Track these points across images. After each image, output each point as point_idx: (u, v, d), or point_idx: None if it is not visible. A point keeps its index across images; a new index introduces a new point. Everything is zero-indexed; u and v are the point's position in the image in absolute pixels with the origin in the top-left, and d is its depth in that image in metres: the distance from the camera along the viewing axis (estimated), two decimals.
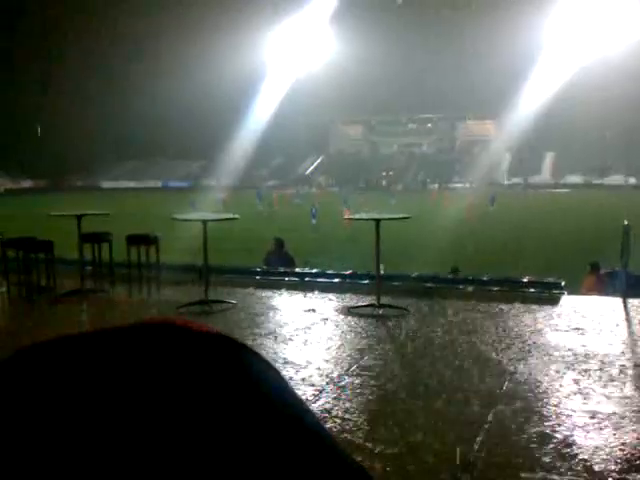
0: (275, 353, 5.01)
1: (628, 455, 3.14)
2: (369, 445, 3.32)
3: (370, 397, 4.02)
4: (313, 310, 6.56)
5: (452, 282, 7.80)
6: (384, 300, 6.48)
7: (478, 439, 3.36)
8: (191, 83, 78.20)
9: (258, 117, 73.99)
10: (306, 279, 8.16)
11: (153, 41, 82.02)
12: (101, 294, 7.50)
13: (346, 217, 7.04)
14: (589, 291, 8.79)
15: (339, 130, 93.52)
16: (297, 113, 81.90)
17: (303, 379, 4.36)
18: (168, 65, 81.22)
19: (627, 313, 6.37)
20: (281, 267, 9.77)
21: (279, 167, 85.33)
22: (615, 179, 69.42)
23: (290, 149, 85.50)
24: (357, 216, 6.73)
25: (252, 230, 21.95)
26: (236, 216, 7.25)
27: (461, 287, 7.56)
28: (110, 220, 7.99)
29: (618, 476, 2.93)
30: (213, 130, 76.73)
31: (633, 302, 6.71)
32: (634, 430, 3.46)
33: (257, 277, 8.45)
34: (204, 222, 6.41)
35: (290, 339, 5.46)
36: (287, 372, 4.51)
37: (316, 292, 7.43)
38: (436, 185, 70.39)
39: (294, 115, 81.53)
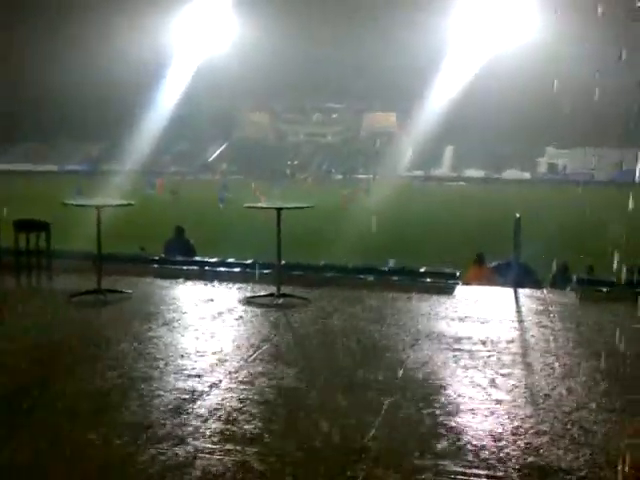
0: (172, 344, 4.88)
1: (518, 441, 3.25)
2: (264, 435, 3.28)
3: (267, 387, 3.98)
4: (212, 300, 6.44)
5: (351, 272, 7.87)
6: (285, 290, 6.45)
7: (373, 427, 3.38)
8: (93, 63, 75.17)
9: (162, 102, 72.14)
10: (206, 268, 8.02)
11: (54, 14, 78.12)
12: None
13: (246, 205, 6.92)
14: (473, 281, 9.07)
15: (244, 117, 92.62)
16: (201, 98, 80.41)
17: (200, 370, 4.26)
18: (69, 42, 77.66)
19: (518, 303, 6.63)
20: (181, 255, 9.57)
21: (182, 153, 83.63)
22: (511, 173, 72.53)
23: (194, 135, 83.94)
24: (258, 205, 6.64)
25: (152, 217, 21.43)
26: (131, 202, 7.01)
27: (361, 277, 7.64)
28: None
29: (508, 461, 3.02)
30: (115, 113, 74.07)
31: (524, 292, 7.00)
32: (524, 416, 3.58)
33: (155, 266, 8.23)
34: (97, 208, 6.15)
35: (187, 329, 5.34)
36: (184, 363, 4.40)
37: (216, 282, 7.30)
38: (340, 176, 71.10)
39: (198, 100, 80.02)
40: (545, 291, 7.42)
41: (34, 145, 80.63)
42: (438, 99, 70.29)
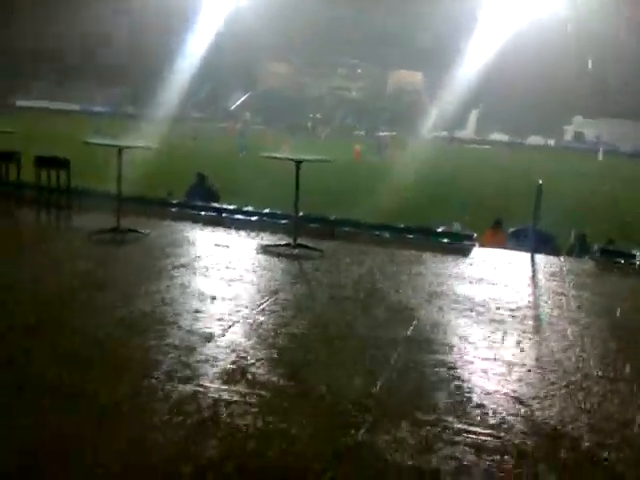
0: (187, 285, 4.93)
1: (521, 403, 3.28)
2: (272, 379, 3.32)
3: (277, 335, 4.02)
4: (227, 246, 6.48)
5: (369, 228, 7.85)
6: (301, 241, 6.46)
7: (379, 381, 3.42)
8: (118, 8, 74.39)
9: (185, 49, 71.39)
10: (223, 215, 8.05)
11: None
12: (6, 218, 7.15)
13: (264, 155, 6.89)
14: (488, 244, 9.02)
15: (267, 68, 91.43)
16: (226, 48, 79.50)
17: (213, 313, 4.31)
18: None
19: (534, 267, 6.61)
20: (204, 201, 9.60)
21: (204, 99, 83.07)
22: (535, 139, 71.50)
23: (217, 83, 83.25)
24: (274, 155, 6.61)
25: (174, 164, 21.43)
26: (153, 145, 7.02)
27: (377, 233, 7.63)
28: (18, 140, 7.58)
29: (510, 422, 3.05)
30: (137, 58, 73.57)
31: (541, 258, 6.97)
32: (531, 379, 3.60)
33: (173, 209, 8.27)
34: (119, 148, 6.16)
35: (202, 273, 5.38)
36: (197, 304, 4.45)
37: (233, 228, 7.34)
38: (363, 132, 70.42)
39: (223, 49, 79.13)
40: (562, 258, 7.39)
41: (56, 83, 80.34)
42: (466, 62, 69.01)
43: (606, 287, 6.08)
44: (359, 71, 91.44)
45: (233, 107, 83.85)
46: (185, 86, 69.81)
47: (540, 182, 7.10)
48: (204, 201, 9.55)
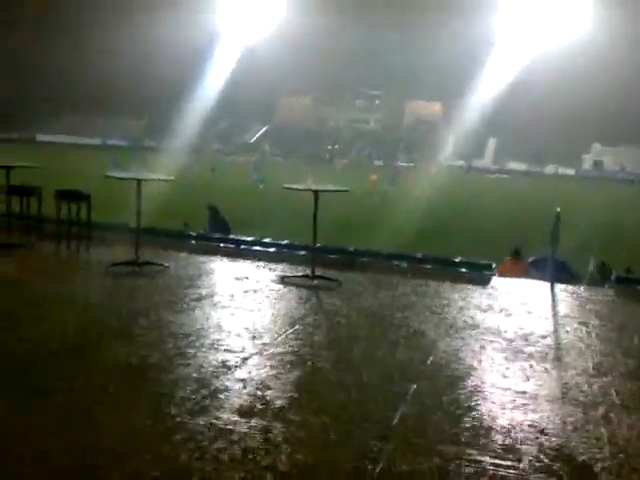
0: (205, 318, 4.94)
1: (541, 435, 3.23)
2: (290, 414, 3.30)
3: (296, 367, 4.01)
4: (247, 277, 6.50)
5: (386, 257, 7.85)
6: (319, 272, 6.47)
7: (399, 412, 3.39)
8: (138, 41, 75.86)
9: (205, 81, 72.52)
10: (242, 247, 8.08)
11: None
12: (27, 251, 7.24)
13: (285, 186, 6.93)
14: (508, 275, 8.95)
15: (286, 100, 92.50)
16: (245, 80, 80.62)
17: (231, 345, 4.31)
18: (116, 18, 78.44)
19: (554, 297, 6.55)
20: (219, 232, 9.69)
21: (223, 132, 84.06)
22: (553, 168, 71.28)
23: (236, 116, 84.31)
24: (294, 186, 6.66)
25: (192, 195, 21.60)
26: (171, 177, 7.09)
27: (395, 263, 7.62)
28: (42, 174, 7.71)
29: (530, 454, 3.01)
30: (158, 92, 74.81)
31: (560, 287, 6.90)
32: (550, 410, 3.55)
33: (192, 242, 8.33)
34: (138, 181, 6.24)
35: (221, 305, 5.39)
36: (215, 337, 4.46)
37: (251, 260, 7.36)
38: (380, 162, 70.67)
39: (242, 82, 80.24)
40: (582, 287, 7.31)
41: (76, 118, 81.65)
42: (483, 91, 69.32)
43: (625, 315, 6.00)
44: (377, 102, 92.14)
45: (252, 140, 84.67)
46: (204, 119, 70.71)
47: (558, 210, 7.07)
48: (220, 232, 9.64)
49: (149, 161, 34.79)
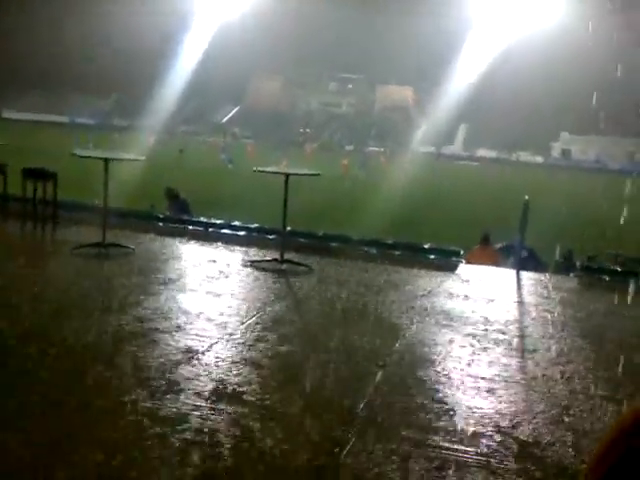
0: (172, 302, 4.90)
1: (505, 419, 3.27)
2: (256, 398, 3.30)
3: (264, 351, 4.00)
4: (214, 261, 6.45)
5: (356, 243, 7.86)
6: (288, 256, 6.45)
7: (365, 397, 3.40)
8: (108, 21, 74.45)
9: (176, 62, 71.59)
10: (210, 230, 8.02)
11: None
12: None
13: (256, 169, 6.88)
14: (476, 261, 9.03)
15: (257, 82, 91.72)
16: (216, 61, 79.70)
17: (198, 329, 4.28)
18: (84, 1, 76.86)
19: (519, 284, 6.63)
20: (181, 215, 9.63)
21: (193, 113, 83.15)
22: (523, 156, 72.03)
23: (206, 96, 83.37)
24: (266, 169, 6.62)
25: (160, 176, 21.35)
26: (141, 158, 6.99)
27: (365, 249, 7.64)
28: (6, 152, 7.54)
29: (492, 439, 3.05)
30: (128, 70, 73.62)
31: (526, 275, 7.00)
32: (512, 395, 3.60)
33: (160, 224, 8.23)
34: (106, 160, 6.13)
35: (188, 289, 5.36)
36: (182, 321, 4.42)
37: (220, 243, 7.32)
38: (352, 147, 70.64)
39: (213, 62, 79.31)
40: (547, 275, 7.42)
41: (43, 95, 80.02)
42: (455, 78, 69.60)
43: (589, 303, 6.10)
44: (350, 86, 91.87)
45: (222, 121, 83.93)
46: (174, 99, 69.87)
47: (526, 198, 7.14)
48: (181, 214, 9.59)
49: (117, 141, 34.29)
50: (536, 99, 71.14)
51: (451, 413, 3.30)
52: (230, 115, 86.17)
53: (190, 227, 8.13)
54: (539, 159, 71.85)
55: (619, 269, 7.31)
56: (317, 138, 76.85)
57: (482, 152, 73.75)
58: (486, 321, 5.03)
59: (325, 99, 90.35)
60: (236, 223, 8.20)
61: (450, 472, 2.72)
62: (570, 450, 3.00)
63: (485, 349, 4.36)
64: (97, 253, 6.25)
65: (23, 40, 77.78)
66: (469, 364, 4.06)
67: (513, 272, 7.01)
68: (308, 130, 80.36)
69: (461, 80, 69.56)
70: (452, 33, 70.94)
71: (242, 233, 7.87)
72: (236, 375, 3.57)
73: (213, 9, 78.13)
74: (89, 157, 6.47)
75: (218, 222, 8.28)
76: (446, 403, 3.42)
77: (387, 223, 15.58)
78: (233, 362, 3.77)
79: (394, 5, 77.19)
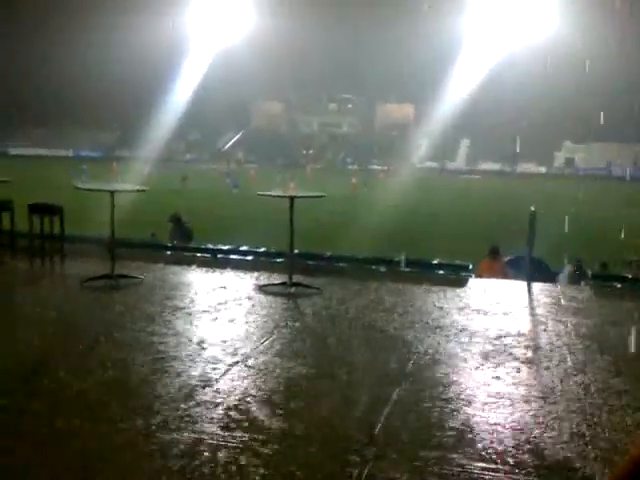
0: (184, 330, 4.89)
1: (523, 435, 3.23)
2: (274, 422, 3.27)
3: (277, 375, 3.97)
4: (224, 287, 6.44)
5: (364, 262, 7.85)
6: (297, 279, 6.44)
7: (381, 418, 3.37)
8: (106, 52, 75.28)
9: (175, 90, 72.21)
10: (218, 256, 8.03)
11: (67, 7, 78.20)
12: (1, 266, 7.12)
13: (259, 193, 6.89)
14: (486, 274, 9.00)
15: (259, 106, 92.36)
16: (216, 87, 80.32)
17: (210, 356, 4.26)
18: (83, 30, 77.71)
19: (531, 297, 6.58)
20: (182, 241, 9.71)
21: (196, 141, 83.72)
22: (527, 167, 72.03)
23: (208, 124, 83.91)
24: (269, 193, 6.63)
25: (165, 204, 21.44)
26: (145, 188, 7.01)
27: (373, 267, 7.62)
28: (13, 188, 7.58)
29: (513, 456, 3.00)
30: (128, 101, 74.37)
31: (537, 286, 6.94)
32: (531, 410, 3.56)
33: (168, 252, 8.25)
34: (112, 193, 6.16)
35: (199, 316, 5.34)
36: (195, 349, 4.40)
37: (228, 269, 7.31)
38: (355, 166, 70.84)
39: (213, 89, 79.93)
40: (559, 286, 7.37)
41: (47, 130, 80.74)
42: (454, 92, 69.91)
43: (602, 312, 6.05)
44: (349, 106, 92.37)
45: (225, 147, 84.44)
46: (175, 128, 70.36)
47: (533, 209, 7.12)
48: (184, 241, 9.68)
49: (119, 172, 34.47)
50: (536, 109, 71.32)
51: (470, 431, 3.25)
52: (233, 141, 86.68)
53: (198, 254, 8.13)
54: (542, 169, 71.81)
55: (630, 276, 7.26)
56: (320, 159, 77.16)
57: (485, 165, 73.81)
58: (500, 335, 4.98)
59: (325, 120, 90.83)
60: (243, 248, 8.21)
61: None
62: (594, 464, 2.95)
63: (501, 364, 4.31)
64: (107, 285, 6.25)
65: (25, 77, 78.68)
66: (485, 380, 4.02)
67: (524, 284, 6.96)
68: (311, 151, 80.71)
69: (461, 95, 69.85)
70: (448, 47, 71.38)
71: (250, 258, 7.87)
72: (249, 401, 3.54)
73: (212, 36, 78.98)
74: (94, 190, 6.49)
75: (225, 248, 8.29)
76: (465, 421, 3.38)
77: (392, 239, 15.60)
78: (246, 388, 3.74)
79: (389, 23, 77.84)
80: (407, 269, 7.57)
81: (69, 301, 5.84)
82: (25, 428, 3.18)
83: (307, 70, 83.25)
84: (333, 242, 13.91)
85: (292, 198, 6.34)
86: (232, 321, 5.22)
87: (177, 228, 11.88)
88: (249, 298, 6.02)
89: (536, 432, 3.26)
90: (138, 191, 7.15)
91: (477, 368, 4.22)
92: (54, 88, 78.39)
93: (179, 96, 71.61)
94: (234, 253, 8.06)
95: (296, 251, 6.85)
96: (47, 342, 4.57)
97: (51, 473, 2.76)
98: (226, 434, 3.12)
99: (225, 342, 4.60)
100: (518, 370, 4.21)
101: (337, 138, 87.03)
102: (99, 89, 77.73)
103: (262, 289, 6.36)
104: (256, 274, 7.02)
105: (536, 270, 7.71)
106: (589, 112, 62.54)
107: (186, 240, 10.34)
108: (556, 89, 68.58)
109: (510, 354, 4.52)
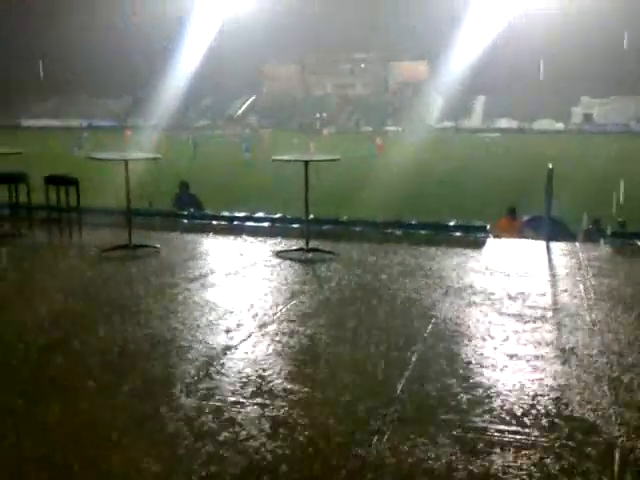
0: (202, 298, 4.91)
1: (545, 396, 3.22)
2: (294, 387, 3.29)
3: (296, 341, 3.99)
4: (241, 254, 6.45)
5: (380, 226, 7.80)
6: (313, 244, 6.43)
7: (401, 381, 3.37)
8: (117, 19, 74.73)
9: (187, 56, 71.65)
10: (234, 223, 8.02)
11: None
12: (20, 238, 7.17)
13: (274, 158, 6.85)
14: (504, 234, 8.93)
15: (271, 70, 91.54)
16: (228, 52, 79.58)
17: (231, 323, 4.28)
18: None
19: (550, 256, 6.53)
20: (191, 208, 9.81)
21: (209, 107, 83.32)
22: (544, 124, 71.03)
23: (220, 89, 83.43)
24: (285, 157, 6.58)
25: (175, 172, 21.45)
26: (158, 156, 6.99)
27: (389, 231, 7.58)
28: (28, 160, 7.60)
29: (535, 418, 3.00)
30: (140, 69, 73.97)
31: (556, 245, 6.88)
32: (552, 371, 3.55)
33: (184, 221, 8.26)
34: (125, 162, 6.14)
35: (217, 284, 5.36)
36: (213, 317, 4.42)
37: (244, 236, 7.31)
38: (370, 128, 70.22)
39: (224, 54, 79.23)
40: (578, 244, 7.30)
41: (59, 100, 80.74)
42: (468, 49, 68.74)
43: (623, 270, 5.99)
44: (362, 66, 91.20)
45: (239, 112, 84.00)
46: (188, 95, 70.03)
47: (550, 167, 7.01)
48: (192, 207, 9.80)
49: (132, 140, 34.44)
50: (553, 64, 69.97)
51: (491, 393, 3.25)
52: (245, 105, 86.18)
53: (214, 222, 8.13)
54: (560, 126, 70.79)
55: None
56: (334, 121, 76.57)
57: (502, 122, 72.91)
58: (520, 296, 4.95)
59: (339, 81, 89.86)
60: (259, 215, 8.19)
61: (495, 454, 2.68)
62: (618, 426, 2.94)
63: (520, 324, 4.30)
64: (125, 255, 6.28)
65: (35, 48, 78.38)
66: (506, 341, 4.00)
67: (543, 244, 6.90)
68: (324, 114, 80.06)
69: (475, 51, 68.66)
70: (464, 2, 70.00)
71: (266, 224, 7.86)
72: (268, 368, 3.56)
73: (222, 0, 78.05)
74: (108, 160, 6.48)
75: (241, 215, 8.28)
76: (485, 383, 3.37)
77: (407, 202, 15.51)
78: (265, 355, 3.76)
79: None
80: (424, 231, 7.53)
81: (88, 272, 5.88)
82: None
83: (318, 31, 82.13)
84: (346, 207, 13.85)
85: (306, 162, 6.29)
86: (250, 288, 5.23)
87: (184, 194, 11.96)
88: (266, 264, 6.03)
89: (558, 393, 3.25)
90: (153, 159, 7.13)
91: (497, 330, 4.21)
92: (67, 58, 78.07)
93: (190, 62, 71.10)
94: (250, 220, 8.05)
95: (311, 216, 6.82)
96: (68, 310, 4.61)
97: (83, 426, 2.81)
98: (245, 400, 3.15)
99: (245, 309, 4.61)
100: (539, 331, 4.19)
101: (351, 100, 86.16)
102: (110, 57, 77.38)
103: (279, 255, 6.36)
104: (273, 240, 7.02)
105: (555, 229, 7.63)
106: (607, 66, 61.34)
107: (193, 207, 10.42)
108: (572, 43, 67.21)
109: (530, 315, 4.50)
